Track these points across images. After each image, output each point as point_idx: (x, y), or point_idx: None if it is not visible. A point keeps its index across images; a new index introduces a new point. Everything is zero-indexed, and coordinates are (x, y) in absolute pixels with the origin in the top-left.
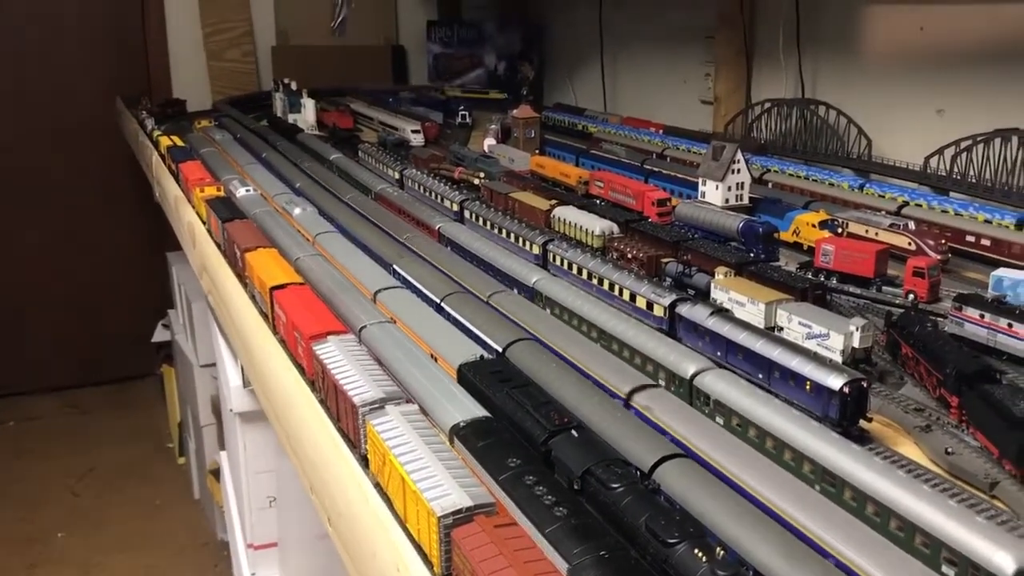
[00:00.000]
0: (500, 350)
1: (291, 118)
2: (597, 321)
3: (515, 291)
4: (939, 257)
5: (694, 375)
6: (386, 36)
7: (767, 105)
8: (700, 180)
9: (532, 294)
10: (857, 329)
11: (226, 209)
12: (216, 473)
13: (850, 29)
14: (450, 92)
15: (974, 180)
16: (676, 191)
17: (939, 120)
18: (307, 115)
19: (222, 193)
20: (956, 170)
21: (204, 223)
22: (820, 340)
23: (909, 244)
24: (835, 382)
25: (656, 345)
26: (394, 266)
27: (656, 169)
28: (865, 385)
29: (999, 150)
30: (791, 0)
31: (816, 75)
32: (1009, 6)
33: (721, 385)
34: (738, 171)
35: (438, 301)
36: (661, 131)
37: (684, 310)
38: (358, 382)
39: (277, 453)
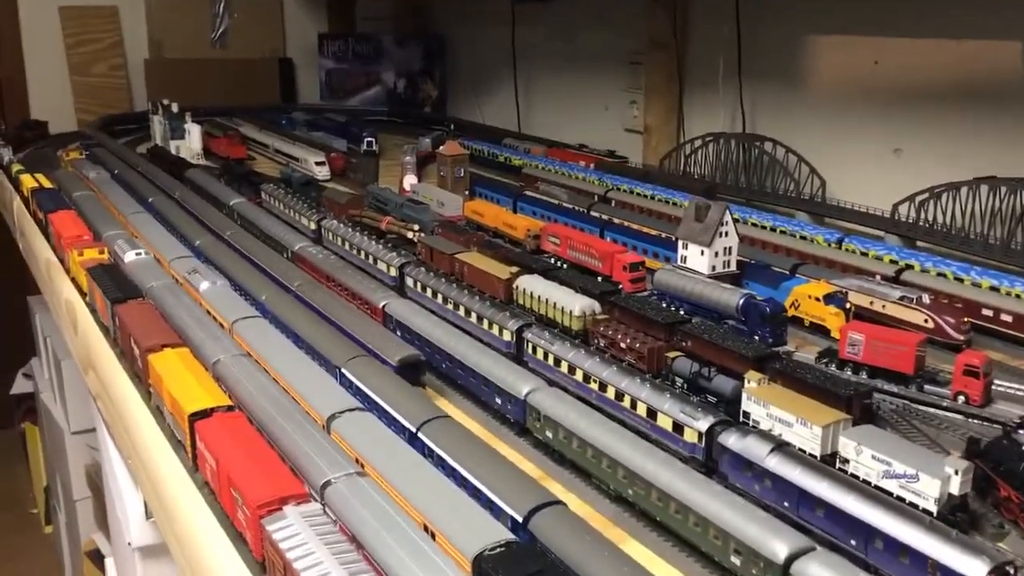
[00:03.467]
0: (521, 520)
1: (173, 145)
2: (629, 464)
3: (506, 404)
4: (962, 338)
5: (789, 560)
6: (273, 49)
7: (707, 139)
8: (681, 243)
9: (523, 410)
10: (957, 472)
11: (114, 283)
12: (94, 556)
13: (798, 59)
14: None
15: (947, 230)
16: (640, 248)
17: (897, 160)
18: (192, 142)
19: (107, 257)
20: (924, 217)
21: (86, 298)
22: (905, 482)
23: (926, 322)
24: (976, 571)
25: (732, 515)
26: (344, 370)
27: (610, 219)
28: (1013, 572)
29: (975, 199)
30: (732, 26)
31: (758, 108)
32: (970, 42)
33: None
34: (726, 234)
35: (414, 430)
36: (592, 166)
37: (731, 441)
38: None
39: None
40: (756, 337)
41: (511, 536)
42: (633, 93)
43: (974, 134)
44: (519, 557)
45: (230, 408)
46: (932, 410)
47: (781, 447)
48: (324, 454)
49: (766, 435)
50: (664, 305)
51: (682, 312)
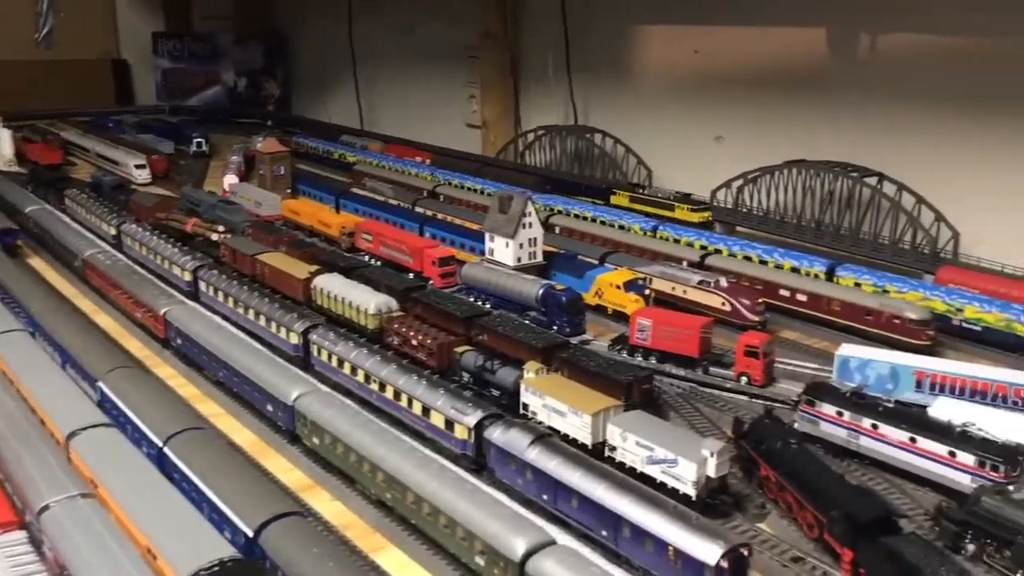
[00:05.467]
0: (252, 534)
1: None
2: (385, 467)
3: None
4: (757, 319)
5: (527, 557)
6: (105, 49)
7: (539, 132)
8: (487, 235)
9: (292, 416)
10: (713, 455)
11: None
12: None
13: (622, 52)
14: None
15: (764, 214)
16: (458, 243)
17: (719, 147)
18: (2, 148)
19: None
20: (742, 203)
21: None
22: (666, 467)
23: (723, 304)
24: (710, 554)
25: (478, 515)
26: (101, 384)
27: (431, 214)
28: (747, 553)
29: (789, 183)
30: (559, 20)
31: (589, 100)
32: (780, 29)
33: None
34: (530, 225)
35: (160, 445)
36: (428, 161)
37: (496, 435)
38: None
39: None
40: (555, 327)
41: (234, 553)
42: (472, 88)
43: (788, 119)
44: (234, 575)
45: None
46: (717, 392)
47: (542, 439)
48: (49, 476)
49: (529, 427)
50: (472, 299)
51: (488, 305)
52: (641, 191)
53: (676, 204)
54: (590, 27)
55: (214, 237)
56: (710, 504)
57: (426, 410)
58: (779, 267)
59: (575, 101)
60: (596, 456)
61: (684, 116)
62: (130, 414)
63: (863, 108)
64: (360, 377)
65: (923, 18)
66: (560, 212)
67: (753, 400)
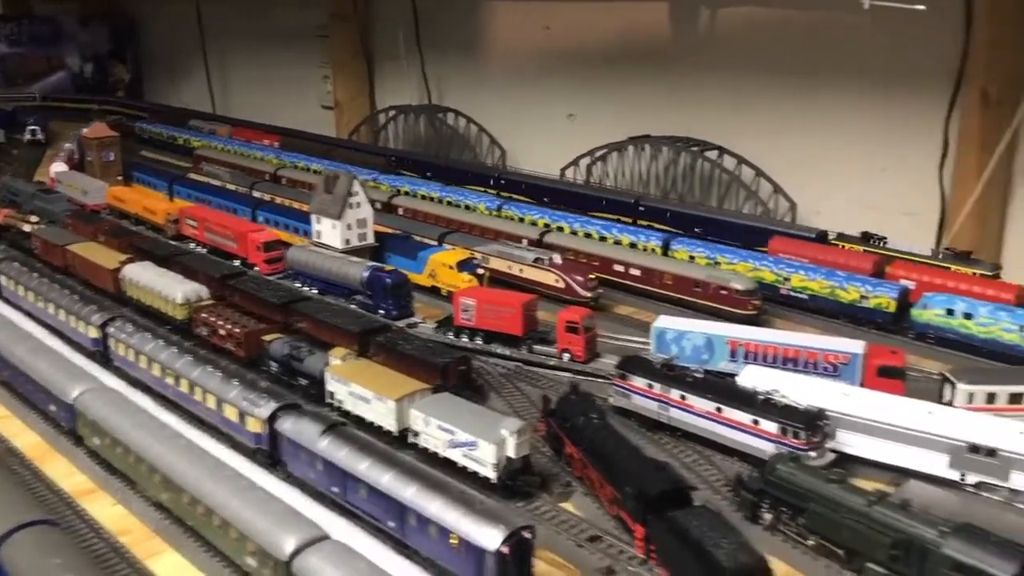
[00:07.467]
0: None
1: None
2: (161, 467)
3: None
4: (590, 295)
5: (294, 555)
6: None
7: (392, 113)
8: (313, 217)
9: (73, 416)
10: (511, 434)
11: None
12: None
13: (473, 29)
14: None
15: (611, 188)
16: (292, 227)
17: (572, 126)
18: None
19: None
20: (592, 179)
21: None
22: (467, 450)
23: (557, 281)
24: (490, 540)
25: (250, 513)
26: None
27: (269, 198)
28: (530, 536)
29: (637, 158)
30: None
31: (443, 80)
32: (628, 4)
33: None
34: (358, 205)
35: None
36: (277, 144)
37: (286, 427)
38: None
39: None
40: (381, 311)
41: None
42: (326, 69)
43: (636, 95)
44: None
45: None
46: (541, 370)
47: (334, 428)
48: None
49: (321, 417)
50: (298, 285)
51: (315, 290)
52: (877, 243)
53: (951, 264)
54: (440, 4)
55: (26, 228)
56: (511, 486)
57: (220, 403)
58: (618, 243)
59: (428, 81)
60: (403, 443)
61: (537, 94)
62: None
63: (705, 83)
64: (156, 371)
65: None
66: (406, 193)
67: (577, 377)
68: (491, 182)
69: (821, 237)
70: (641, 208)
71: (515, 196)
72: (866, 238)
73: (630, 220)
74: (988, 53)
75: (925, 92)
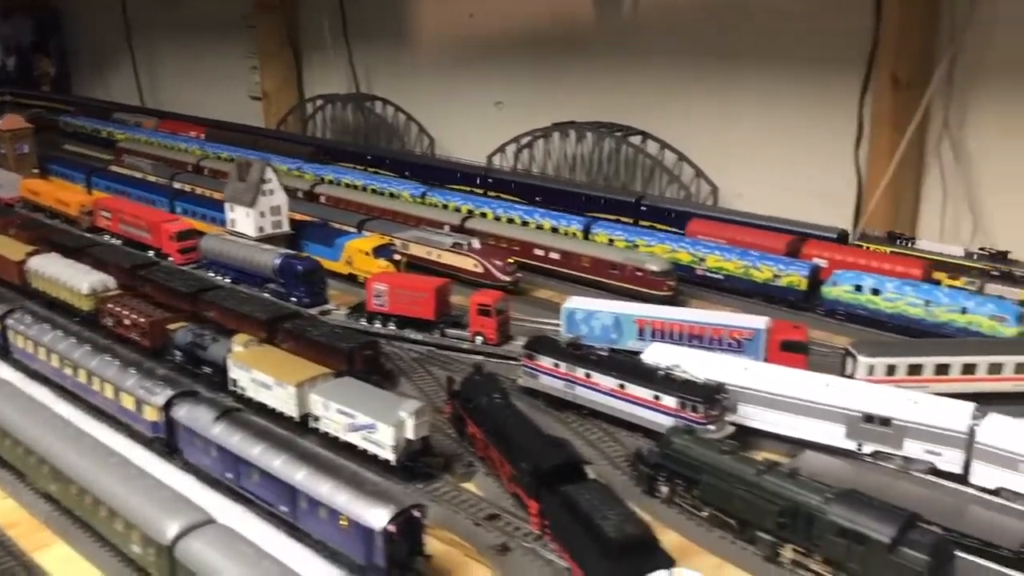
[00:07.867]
0: None
1: None
2: (48, 457)
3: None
4: (508, 279)
5: (177, 539)
6: None
7: (319, 102)
8: (227, 206)
9: None
10: (410, 416)
11: None
12: None
13: (399, 17)
14: None
15: (538, 175)
16: (209, 216)
17: (499, 114)
18: None
19: None
20: (519, 166)
21: None
22: (367, 433)
23: (475, 266)
24: (378, 519)
25: (135, 501)
26: None
27: (188, 188)
28: (419, 514)
29: (562, 144)
30: None
31: (370, 68)
32: None
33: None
34: (271, 192)
35: None
36: (203, 135)
37: (181, 414)
38: None
39: None
40: (293, 298)
41: None
42: (254, 59)
43: (560, 82)
44: None
45: None
46: (453, 354)
47: (228, 414)
48: None
49: (216, 403)
50: (212, 274)
51: (228, 279)
52: (905, 243)
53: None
54: None
55: None
56: (411, 468)
57: (117, 392)
58: (540, 227)
59: (356, 69)
60: (304, 429)
61: (463, 82)
62: None
63: (628, 69)
64: (55, 362)
65: None
66: (330, 181)
67: (489, 359)
68: (477, 181)
69: (843, 238)
70: (643, 208)
71: (503, 195)
72: (892, 238)
73: (631, 220)
74: (897, 37)
75: (840, 76)
